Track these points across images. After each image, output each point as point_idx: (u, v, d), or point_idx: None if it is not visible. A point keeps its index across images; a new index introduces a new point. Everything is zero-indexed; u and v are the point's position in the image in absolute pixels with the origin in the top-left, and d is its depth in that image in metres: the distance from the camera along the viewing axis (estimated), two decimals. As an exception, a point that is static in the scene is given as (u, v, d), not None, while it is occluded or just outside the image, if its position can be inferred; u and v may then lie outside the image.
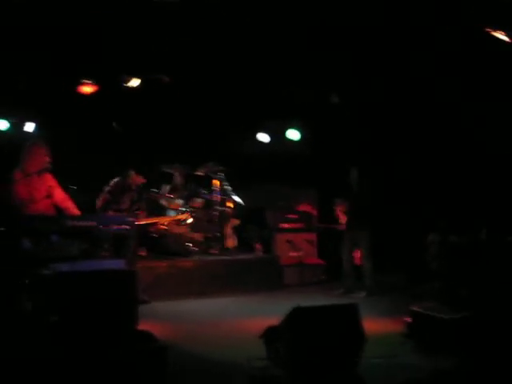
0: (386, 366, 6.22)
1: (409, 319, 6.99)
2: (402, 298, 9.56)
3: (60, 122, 10.72)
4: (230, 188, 11.46)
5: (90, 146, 10.97)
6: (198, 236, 11.21)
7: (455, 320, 6.40)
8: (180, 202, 11.16)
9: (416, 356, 6.49)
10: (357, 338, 5.78)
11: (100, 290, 5.72)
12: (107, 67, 10.27)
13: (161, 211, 11.06)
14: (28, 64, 9.98)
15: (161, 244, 11.02)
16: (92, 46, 9.53)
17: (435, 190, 10.99)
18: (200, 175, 11.65)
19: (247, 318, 8.55)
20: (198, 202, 11.51)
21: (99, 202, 9.45)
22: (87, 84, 10.44)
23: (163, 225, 11.03)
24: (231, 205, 11.55)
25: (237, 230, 11.89)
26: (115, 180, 9.63)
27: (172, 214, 11.25)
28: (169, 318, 8.51)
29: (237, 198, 11.48)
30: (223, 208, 11.54)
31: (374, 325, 7.28)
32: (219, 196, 11.43)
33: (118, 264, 6.45)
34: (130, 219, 7.31)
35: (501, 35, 8.11)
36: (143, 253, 10.80)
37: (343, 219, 10.56)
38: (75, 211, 8.08)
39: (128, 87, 10.68)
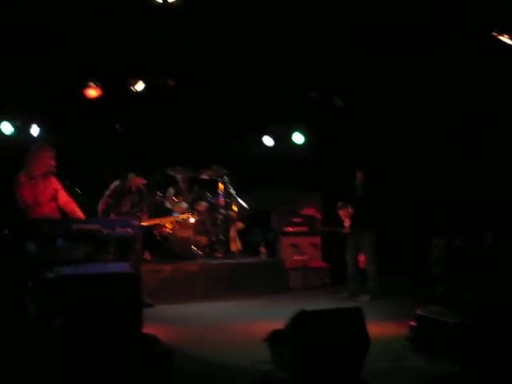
0: (391, 369, 6.22)
1: (413, 323, 6.98)
2: (406, 301, 9.56)
3: (65, 125, 10.73)
4: (234, 191, 11.45)
5: (95, 149, 10.98)
6: (202, 239, 11.22)
7: (460, 324, 6.39)
8: (185, 205, 11.16)
9: (420, 360, 6.47)
10: (361, 341, 5.78)
11: (105, 294, 5.73)
12: (112, 70, 10.29)
13: (166, 214, 11.06)
14: (33, 67, 10.01)
15: (165, 247, 11.04)
16: (97, 49, 9.54)
17: (440, 193, 10.97)
18: (204, 178, 11.65)
19: (252, 321, 8.54)
20: (203, 205, 11.52)
21: (100, 207, 9.44)
22: (92, 87, 10.45)
23: (167, 228, 11.06)
24: (236, 208, 11.54)
25: (241, 234, 11.90)
26: (115, 183, 9.63)
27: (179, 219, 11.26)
28: (173, 321, 8.52)
29: (241, 202, 11.47)
30: (228, 211, 11.54)
31: (378, 328, 7.28)
32: (223, 199, 11.42)
33: (122, 267, 6.43)
34: (135, 222, 7.31)
35: (507, 39, 8.10)
36: (147, 256, 10.83)
37: (347, 223, 10.55)
38: (80, 214, 8.09)
39: (133, 91, 10.68)
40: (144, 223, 9.63)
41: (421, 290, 10.10)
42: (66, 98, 10.60)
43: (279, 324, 6.05)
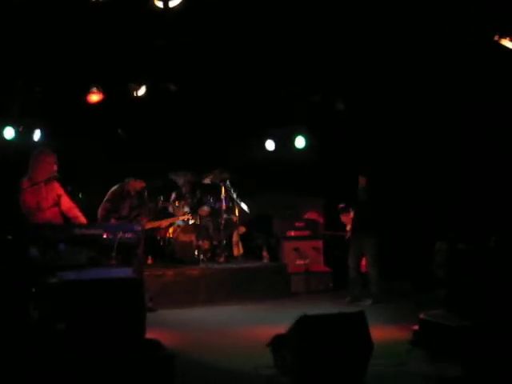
0: (394, 374, 6.22)
1: (416, 327, 6.97)
2: (409, 305, 9.57)
3: (67, 130, 10.75)
4: (236, 196, 11.46)
5: (97, 155, 11.00)
6: (204, 244, 11.22)
7: (463, 328, 6.38)
8: (187, 209, 11.17)
9: (423, 364, 6.46)
10: (364, 345, 5.78)
11: (107, 299, 5.73)
12: (114, 76, 10.30)
13: (168, 218, 11.06)
14: (35, 72, 10.03)
15: (167, 252, 11.04)
16: (99, 55, 9.56)
17: (443, 197, 10.96)
18: (206, 183, 11.66)
19: (254, 326, 8.54)
20: (205, 209, 11.53)
21: (100, 212, 9.42)
22: (94, 92, 10.47)
23: (169, 232, 11.07)
24: (238, 213, 11.55)
25: (243, 238, 11.90)
26: (113, 188, 9.61)
27: (179, 221, 11.26)
28: (176, 326, 8.52)
29: (243, 206, 11.47)
30: (230, 216, 11.54)
31: (380, 332, 7.27)
32: (226, 204, 11.43)
33: (125, 272, 6.43)
34: (137, 227, 7.31)
35: (508, 42, 8.11)
36: (149, 261, 10.84)
37: (349, 226, 10.54)
38: (82, 220, 8.10)
39: (134, 95, 10.70)
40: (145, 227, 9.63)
41: (423, 293, 10.10)
42: (68, 104, 10.62)
43: (282, 328, 6.05)
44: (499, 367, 5.94)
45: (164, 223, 10.53)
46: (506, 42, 8.12)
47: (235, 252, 11.65)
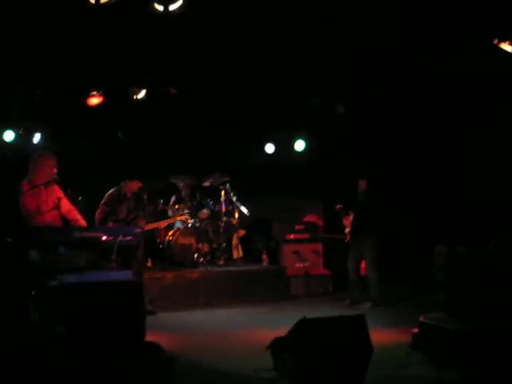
0: (393, 377, 6.22)
1: (416, 330, 6.97)
2: (409, 308, 9.57)
3: (67, 133, 10.75)
4: (236, 199, 11.46)
5: (97, 157, 11.00)
6: (204, 247, 11.22)
7: (463, 331, 6.38)
8: (187, 212, 11.17)
9: (423, 367, 6.46)
10: (364, 349, 5.78)
11: (107, 301, 5.74)
12: (114, 79, 10.32)
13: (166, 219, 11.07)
14: (35, 75, 10.04)
15: (167, 255, 11.04)
16: (99, 58, 9.57)
17: (443, 200, 10.97)
18: (206, 186, 11.67)
19: (254, 329, 8.55)
20: (205, 212, 11.53)
21: (97, 215, 9.38)
22: (94, 96, 10.48)
23: (169, 235, 11.07)
24: (237, 215, 11.55)
25: (243, 241, 11.90)
26: (110, 191, 9.58)
27: (178, 224, 11.27)
28: (176, 328, 8.52)
29: (243, 209, 11.48)
30: (229, 219, 11.54)
31: (380, 336, 7.28)
32: (225, 207, 11.43)
33: (125, 275, 6.45)
34: (137, 230, 7.32)
35: (508, 46, 8.12)
36: (149, 263, 10.83)
37: (348, 229, 10.53)
38: (82, 222, 8.10)
39: (135, 99, 10.71)
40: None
41: (423, 297, 10.10)
42: (68, 107, 10.63)
43: (281, 331, 6.06)
44: (499, 370, 5.94)
45: (163, 224, 10.50)
46: (505, 46, 8.14)
47: (235, 255, 11.65)
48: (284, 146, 12.62)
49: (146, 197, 9.91)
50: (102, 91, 10.53)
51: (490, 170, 10.51)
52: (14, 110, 10.54)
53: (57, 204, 8.11)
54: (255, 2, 8.29)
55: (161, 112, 11.38)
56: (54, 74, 9.99)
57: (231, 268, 11.11)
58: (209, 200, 11.68)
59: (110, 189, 9.66)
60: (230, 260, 11.47)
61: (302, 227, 12.00)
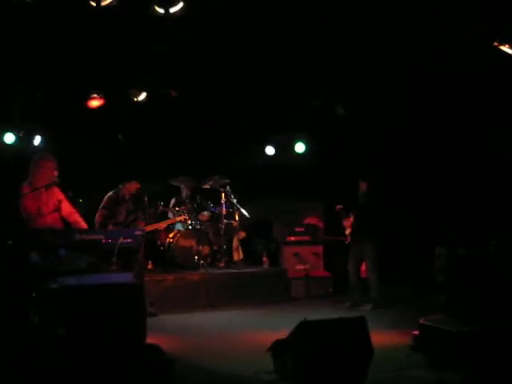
0: (394, 379, 6.22)
1: (416, 332, 6.97)
2: (409, 310, 9.56)
3: (67, 135, 10.76)
4: (236, 201, 11.47)
5: (97, 160, 11.01)
6: (204, 249, 11.21)
7: (464, 333, 6.38)
8: (188, 216, 11.17)
9: (423, 369, 6.46)
10: (364, 351, 5.78)
11: (108, 304, 5.74)
12: (115, 81, 10.32)
13: (169, 225, 11.07)
14: (36, 77, 10.05)
15: (167, 257, 11.05)
16: (99, 60, 9.58)
17: (443, 202, 10.97)
18: (207, 188, 11.67)
19: (254, 331, 8.55)
20: (205, 214, 11.53)
21: (97, 219, 9.37)
22: (95, 98, 10.49)
23: (169, 237, 11.08)
24: (238, 218, 11.55)
25: (243, 243, 11.89)
26: (108, 194, 9.57)
27: (179, 226, 11.27)
28: (176, 330, 8.52)
29: (243, 211, 11.48)
30: (230, 221, 11.54)
31: (381, 337, 7.28)
32: (226, 209, 11.43)
33: (125, 277, 6.44)
34: (137, 232, 7.32)
35: (508, 49, 8.13)
36: (149, 266, 10.83)
37: (349, 231, 10.52)
38: (83, 225, 8.10)
39: (135, 101, 10.72)
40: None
41: (424, 298, 10.09)
42: (69, 109, 10.64)
43: (282, 334, 6.06)
44: (499, 372, 5.94)
45: (162, 225, 10.48)
46: (505, 48, 8.15)
47: (235, 257, 11.64)
48: (284, 148, 12.63)
49: (146, 199, 9.92)
50: (103, 93, 10.53)
51: (490, 172, 10.51)
52: (15, 113, 10.54)
53: (57, 206, 8.11)
54: (255, 4, 8.29)
55: (161, 114, 11.38)
56: (55, 76, 10.00)
57: (232, 270, 11.11)
58: (209, 202, 11.68)
59: (110, 191, 9.66)
60: (230, 262, 11.47)
61: (302, 229, 12.01)
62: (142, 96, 10.77)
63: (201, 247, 11.09)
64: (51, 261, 6.44)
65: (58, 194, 8.16)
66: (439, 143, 11.08)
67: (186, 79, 10.46)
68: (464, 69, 9.43)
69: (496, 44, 8.15)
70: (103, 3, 7.35)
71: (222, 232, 11.36)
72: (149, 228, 9.79)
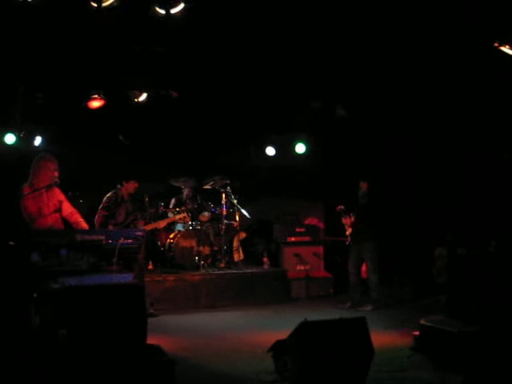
0: (395, 379, 6.22)
1: (417, 332, 6.98)
2: (410, 311, 9.56)
3: (68, 136, 10.77)
4: (237, 201, 11.47)
5: (98, 160, 11.02)
6: (205, 249, 11.22)
7: (464, 333, 6.38)
8: (188, 215, 11.18)
9: (424, 370, 6.46)
10: (365, 351, 5.78)
11: (108, 304, 5.74)
12: (115, 82, 10.33)
13: (169, 224, 11.07)
14: (36, 78, 10.06)
15: (168, 257, 11.05)
16: (100, 61, 9.58)
17: (443, 203, 10.97)
18: (207, 189, 11.67)
19: (255, 331, 8.55)
20: (206, 215, 11.54)
21: (97, 220, 9.35)
22: (95, 99, 10.50)
23: (170, 237, 11.08)
24: (238, 218, 11.55)
25: (244, 244, 11.90)
26: (107, 195, 9.56)
27: (179, 226, 11.28)
28: (177, 331, 8.53)
29: (244, 212, 11.49)
30: (230, 221, 11.55)
31: (381, 338, 7.29)
32: (226, 209, 11.43)
33: (126, 278, 6.46)
34: (138, 233, 7.32)
35: (508, 50, 8.14)
36: (150, 266, 10.84)
37: (349, 231, 10.51)
38: (84, 225, 8.10)
39: (136, 101, 10.73)
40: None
41: (424, 299, 10.10)
42: (70, 109, 10.65)
43: (283, 334, 6.06)
44: (500, 372, 5.94)
45: (162, 224, 10.45)
46: (505, 49, 8.15)
47: (236, 257, 11.64)
48: (285, 149, 12.63)
49: (147, 199, 9.93)
50: (103, 94, 10.54)
51: (490, 173, 10.52)
52: (16, 113, 10.55)
53: (58, 207, 8.11)
54: (256, 5, 8.29)
55: (162, 115, 11.39)
56: (56, 77, 10.00)
57: (232, 271, 11.11)
58: (210, 203, 11.68)
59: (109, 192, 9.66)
60: (230, 263, 11.46)
61: (302, 230, 12.01)
62: (143, 97, 10.79)
63: (201, 248, 11.10)
64: (52, 261, 6.45)
65: (58, 194, 8.16)
66: (439, 144, 11.08)
67: (187, 80, 10.47)
68: (464, 69, 9.43)
69: (496, 45, 8.15)
70: (104, 4, 7.35)
71: (222, 232, 11.36)
72: (148, 227, 9.78)
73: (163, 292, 10.05)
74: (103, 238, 6.76)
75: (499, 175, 10.38)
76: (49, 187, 7.99)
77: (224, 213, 11.39)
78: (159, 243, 11.22)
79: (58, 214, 8.10)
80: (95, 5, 7.39)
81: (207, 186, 11.62)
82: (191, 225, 11.21)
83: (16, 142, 10.71)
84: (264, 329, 8.58)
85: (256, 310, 10.05)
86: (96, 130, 11.11)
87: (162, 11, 7.67)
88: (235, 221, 11.56)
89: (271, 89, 10.80)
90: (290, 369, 5.85)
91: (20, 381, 5.44)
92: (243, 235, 11.84)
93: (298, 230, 11.96)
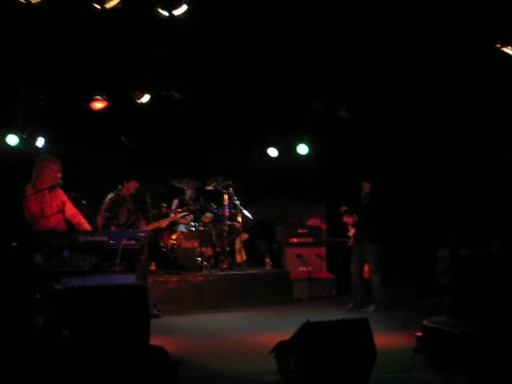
0: (397, 380, 6.21)
1: (420, 334, 6.97)
2: (412, 312, 9.55)
3: (70, 137, 10.79)
4: (239, 202, 11.48)
5: (101, 161, 11.03)
6: (207, 250, 11.23)
7: (467, 334, 6.38)
8: (190, 216, 11.18)
9: (427, 371, 6.46)
10: (368, 352, 5.78)
11: (111, 305, 5.75)
12: (118, 83, 10.35)
13: (171, 225, 11.09)
14: (39, 79, 10.08)
15: (170, 258, 11.06)
16: (102, 62, 9.59)
17: (446, 204, 10.97)
18: (210, 190, 11.68)
19: (258, 332, 8.55)
20: (208, 216, 11.54)
21: (99, 222, 9.34)
22: (98, 100, 10.51)
23: (172, 238, 11.09)
24: (241, 219, 11.56)
25: (246, 245, 11.90)
26: (109, 196, 9.56)
27: (182, 228, 11.28)
28: (180, 332, 8.53)
29: (246, 213, 11.49)
30: (233, 222, 11.55)
31: (384, 339, 7.28)
32: (229, 210, 11.44)
33: (129, 279, 6.47)
34: (141, 234, 7.33)
35: (510, 50, 8.14)
36: (152, 267, 10.84)
37: (351, 232, 10.50)
38: (87, 226, 8.12)
39: (138, 103, 10.75)
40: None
41: (427, 300, 10.09)
42: (72, 111, 10.66)
43: (285, 335, 6.06)
44: (503, 373, 5.94)
45: (164, 223, 10.43)
46: (508, 50, 8.16)
47: (238, 259, 11.64)
48: (287, 150, 12.62)
49: (149, 200, 9.94)
50: (106, 95, 10.55)
51: (491, 174, 10.52)
52: (18, 114, 10.56)
53: (61, 208, 8.12)
54: (259, 7, 8.30)
55: (164, 116, 11.40)
56: (59, 78, 10.02)
57: (234, 272, 11.11)
58: (212, 204, 11.68)
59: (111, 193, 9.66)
60: (233, 264, 11.46)
61: (305, 231, 12.00)
62: (146, 98, 10.81)
63: (204, 249, 11.11)
64: (55, 262, 6.48)
65: (61, 195, 8.18)
66: (441, 145, 11.08)
67: (189, 81, 10.48)
68: (466, 70, 9.43)
69: (499, 45, 8.16)
70: (107, 6, 7.36)
71: (224, 234, 11.36)
72: (150, 227, 9.79)
73: (166, 293, 10.06)
74: (106, 239, 6.78)
75: (501, 176, 10.38)
76: (52, 188, 8.01)
77: (226, 214, 11.39)
78: (162, 244, 11.22)
79: (60, 215, 8.11)
80: (98, 6, 7.40)
81: (209, 187, 11.63)
82: (194, 226, 11.22)
83: (19, 143, 10.71)
84: (266, 330, 8.58)
85: (258, 311, 10.06)
86: (98, 131, 11.12)
87: (165, 13, 7.68)
88: (238, 222, 11.56)
89: (274, 90, 10.81)
90: (293, 370, 5.85)
91: (23, 381, 5.45)
92: (245, 236, 11.84)
93: (300, 231, 11.95)
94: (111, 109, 10.75)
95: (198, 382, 6.33)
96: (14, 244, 6.72)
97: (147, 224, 9.69)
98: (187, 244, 11.01)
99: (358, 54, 9.60)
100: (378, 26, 8.72)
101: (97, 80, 10.27)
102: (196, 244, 11.04)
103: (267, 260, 11.65)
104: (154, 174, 11.09)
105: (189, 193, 11.63)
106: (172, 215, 11.24)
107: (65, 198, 8.22)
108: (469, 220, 10.53)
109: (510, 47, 8.11)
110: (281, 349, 6.17)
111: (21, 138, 10.74)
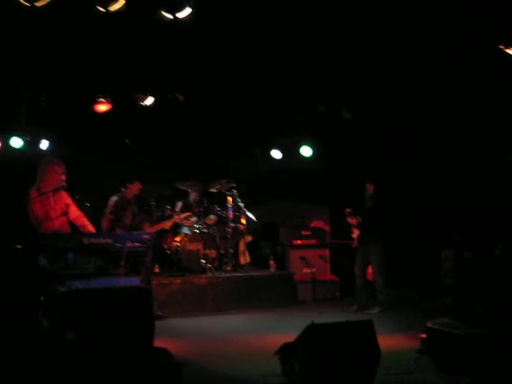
0: (402, 382, 6.22)
1: (424, 335, 6.97)
2: (416, 313, 9.55)
3: (75, 139, 10.80)
4: (243, 204, 11.48)
5: (104, 164, 11.04)
6: (211, 252, 11.23)
7: (471, 336, 6.38)
8: (194, 218, 11.19)
9: (431, 372, 6.46)
10: (372, 354, 5.79)
11: (115, 307, 5.76)
12: (122, 85, 10.36)
13: (175, 228, 11.10)
14: (43, 82, 10.10)
15: (174, 260, 11.07)
16: (106, 64, 9.61)
17: (449, 205, 10.96)
18: (213, 192, 11.69)
19: (262, 334, 8.55)
20: (212, 218, 11.54)
21: (104, 224, 9.34)
22: (102, 102, 10.53)
23: (176, 241, 11.10)
24: (244, 221, 11.56)
25: (250, 247, 11.90)
26: (113, 199, 9.55)
27: (186, 230, 11.29)
28: (184, 334, 8.54)
29: (250, 215, 11.50)
30: (237, 225, 11.55)
31: (388, 341, 7.28)
32: (232, 213, 11.44)
33: (133, 281, 6.47)
34: (146, 237, 7.33)
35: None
36: (156, 269, 10.85)
37: (355, 233, 10.49)
38: (91, 228, 8.13)
39: (142, 105, 10.76)
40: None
41: (431, 302, 10.08)
42: (76, 113, 10.67)
43: (290, 337, 6.07)
44: (507, 375, 5.94)
45: (167, 224, 10.42)
46: (510, 51, 8.16)
47: (242, 261, 11.63)
48: (291, 152, 12.61)
49: (153, 203, 9.94)
50: (110, 98, 10.57)
51: (496, 175, 10.51)
52: (22, 117, 10.58)
53: (65, 210, 8.14)
54: (262, 9, 8.31)
55: (168, 118, 11.41)
56: (62, 81, 10.04)
57: (238, 274, 11.11)
58: (216, 206, 11.68)
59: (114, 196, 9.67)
60: (237, 266, 11.46)
61: (309, 233, 12.00)
62: (149, 100, 10.82)
63: (208, 251, 11.11)
64: (59, 264, 6.47)
65: (65, 198, 8.19)
66: (445, 146, 11.08)
67: (193, 84, 10.49)
68: (468, 71, 9.43)
69: (502, 47, 8.15)
70: (111, 9, 7.38)
71: (228, 236, 11.36)
72: (154, 228, 9.80)
73: (170, 295, 10.06)
74: (110, 241, 6.78)
75: (506, 177, 10.37)
76: (56, 191, 8.02)
77: (230, 216, 11.41)
78: (166, 246, 11.23)
79: (64, 218, 8.13)
80: (102, 9, 7.41)
81: (213, 190, 11.64)
82: (197, 228, 11.23)
83: (23, 145, 10.72)
84: (270, 332, 8.58)
85: (262, 313, 10.06)
86: (102, 134, 11.13)
87: (169, 15, 7.69)
88: (241, 224, 11.56)
89: (277, 92, 10.82)
90: (297, 372, 5.86)
91: (28, 383, 5.46)
92: (249, 238, 11.83)
93: (304, 233, 11.95)
94: (115, 111, 10.76)
95: (202, 384, 6.35)
96: (19, 246, 6.73)
97: (151, 226, 9.70)
98: (191, 246, 11.01)
99: (362, 56, 9.61)
100: (381, 29, 8.73)
101: (101, 82, 10.29)
102: (200, 246, 11.04)
103: (271, 262, 11.65)
104: (158, 176, 11.10)
105: (193, 195, 11.64)
106: (176, 217, 11.26)
107: (69, 200, 8.23)
108: (473, 221, 10.52)
109: (512, 49, 8.12)
110: (285, 351, 6.17)
111: (25, 141, 10.75)
